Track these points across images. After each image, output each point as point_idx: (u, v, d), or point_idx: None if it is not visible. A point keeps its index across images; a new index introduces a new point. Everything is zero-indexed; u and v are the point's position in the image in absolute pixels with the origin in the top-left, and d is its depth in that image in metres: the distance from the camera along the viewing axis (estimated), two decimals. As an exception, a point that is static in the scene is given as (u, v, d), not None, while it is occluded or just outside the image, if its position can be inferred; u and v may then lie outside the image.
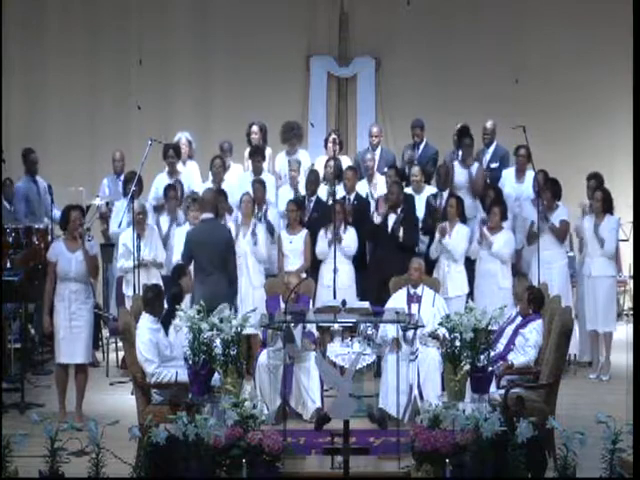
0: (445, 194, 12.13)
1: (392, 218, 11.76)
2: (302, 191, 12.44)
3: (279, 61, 15.13)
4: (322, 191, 12.43)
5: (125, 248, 11.62)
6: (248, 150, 13.02)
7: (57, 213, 12.26)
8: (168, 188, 12.30)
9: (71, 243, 9.94)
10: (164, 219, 12.28)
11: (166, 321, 9.30)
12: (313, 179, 12.31)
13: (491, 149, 12.93)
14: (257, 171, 12.65)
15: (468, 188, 12.44)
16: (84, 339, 9.96)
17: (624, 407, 8.95)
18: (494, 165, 12.81)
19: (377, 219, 11.79)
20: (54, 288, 9.95)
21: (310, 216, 12.15)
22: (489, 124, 12.89)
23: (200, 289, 10.55)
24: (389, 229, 11.73)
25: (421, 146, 13.08)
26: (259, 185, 12.22)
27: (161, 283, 10.96)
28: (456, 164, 12.52)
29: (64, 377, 10.02)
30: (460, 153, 12.64)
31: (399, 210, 11.78)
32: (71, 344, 9.90)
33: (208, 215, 10.92)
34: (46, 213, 12.65)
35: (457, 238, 11.62)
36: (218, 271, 10.70)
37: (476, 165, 12.57)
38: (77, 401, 9.93)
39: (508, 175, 12.61)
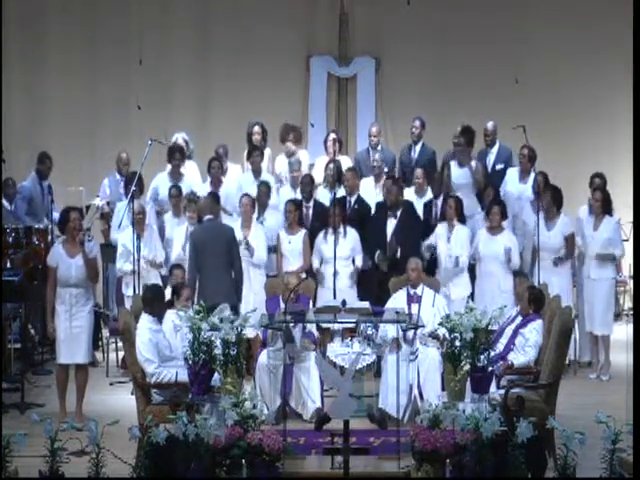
0: (439, 201, 12.07)
1: (391, 223, 11.73)
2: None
3: (279, 61, 15.13)
4: (321, 194, 12.41)
5: (124, 248, 11.62)
6: (246, 150, 13.00)
7: (56, 215, 12.29)
8: (172, 188, 12.29)
9: (70, 247, 9.89)
10: (167, 218, 12.27)
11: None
12: (308, 181, 12.27)
13: (494, 150, 12.90)
14: (256, 170, 12.62)
15: (467, 188, 12.41)
16: (84, 339, 9.96)
17: (624, 407, 8.94)
18: (499, 167, 12.77)
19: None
20: (54, 292, 9.93)
21: (312, 223, 12.08)
22: (490, 125, 12.87)
23: (204, 288, 10.55)
24: (387, 232, 11.69)
25: (417, 147, 13.06)
26: (264, 187, 12.19)
27: (161, 283, 10.98)
28: (453, 164, 12.50)
29: (64, 377, 10.01)
30: (456, 153, 12.63)
31: (398, 213, 11.74)
32: (72, 344, 9.89)
33: (209, 216, 10.96)
34: (46, 214, 12.64)
35: (457, 242, 11.57)
36: (222, 271, 10.72)
37: (474, 163, 12.53)
38: (77, 401, 9.92)
39: (512, 174, 12.59)
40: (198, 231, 11.05)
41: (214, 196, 11.64)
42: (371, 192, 12.42)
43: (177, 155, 12.62)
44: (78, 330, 9.90)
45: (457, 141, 12.54)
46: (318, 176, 12.77)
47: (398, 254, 11.52)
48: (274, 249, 11.86)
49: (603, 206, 11.64)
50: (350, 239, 11.66)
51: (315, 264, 11.68)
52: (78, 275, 9.86)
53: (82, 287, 9.92)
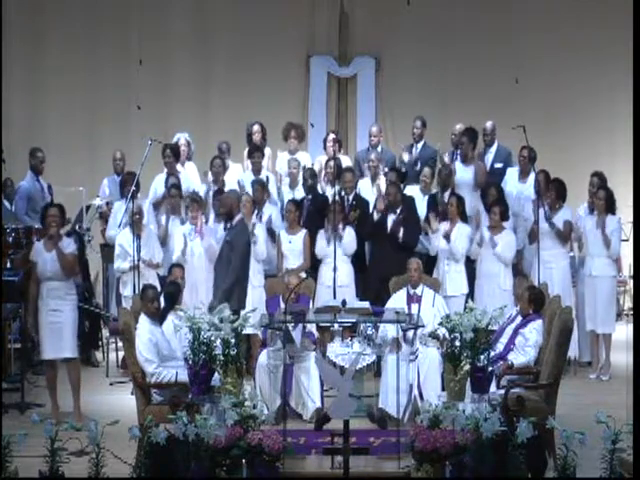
0: (446, 195, 12.11)
1: (391, 218, 11.77)
2: (301, 190, 12.43)
3: (279, 61, 15.14)
4: (321, 190, 12.43)
5: (121, 249, 11.61)
6: (247, 150, 13.00)
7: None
8: (171, 187, 12.28)
9: (48, 242, 9.92)
10: (167, 218, 12.26)
11: (161, 319, 9.34)
12: (309, 176, 12.29)
13: (493, 149, 12.91)
14: (256, 169, 12.63)
15: (470, 186, 12.42)
16: (69, 334, 9.91)
17: (624, 407, 8.95)
18: (498, 165, 12.79)
19: (375, 216, 11.80)
20: (37, 287, 9.93)
21: (307, 210, 12.09)
22: (489, 124, 12.89)
23: (241, 292, 10.59)
24: (388, 229, 11.73)
25: (419, 146, 13.06)
26: (259, 186, 12.20)
27: (157, 283, 10.96)
28: (457, 163, 12.52)
29: (53, 374, 9.99)
30: (459, 152, 12.64)
31: (398, 210, 11.77)
32: (54, 340, 9.84)
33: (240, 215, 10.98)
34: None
35: (458, 238, 11.62)
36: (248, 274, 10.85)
37: (478, 163, 12.54)
38: (75, 400, 9.89)
39: (512, 174, 12.60)
40: (246, 232, 11.01)
41: (220, 193, 11.64)
42: (368, 192, 12.43)
43: (167, 152, 12.59)
44: (59, 325, 9.87)
45: (460, 140, 12.56)
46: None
47: (400, 236, 11.56)
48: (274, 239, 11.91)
49: (607, 205, 11.65)
50: (348, 237, 11.68)
51: (318, 254, 11.71)
52: (53, 269, 9.85)
53: (59, 281, 9.88)
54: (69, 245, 10.05)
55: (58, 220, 10.07)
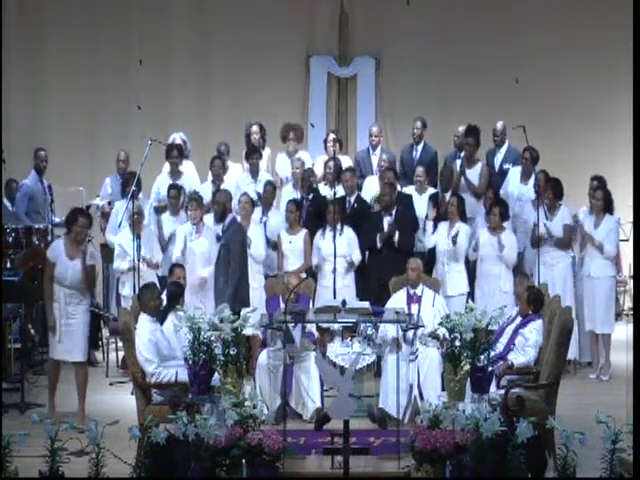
0: (447, 195, 12.10)
1: (387, 220, 11.74)
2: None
3: (279, 61, 15.15)
4: (321, 191, 12.42)
5: (120, 249, 11.61)
6: (245, 151, 13.01)
7: (56, 219, 12.28)
8: (171, 188, 12.29)
9: (71, 249, 9.81)
10: (166, 218, 12.27)
11: (161, 319, 9.34)
12: (308, 177, 12.30)
13: (503, 150, 12.88)
14: (254, 170, 12.62)
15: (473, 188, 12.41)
16: (80, 337, 9.89)
17: (624, 407, 8.95)
18: (507, 166, 12.76)
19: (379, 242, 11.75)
20: (52, 286, 9.89)
21: (307, 210, 12.09)
22: (499, 125, 12.85)
23: (240, 292, 10.59)
24: (384, 231, 11.69)
25: (419, 147, 13.05)
26: (270, 187, 12.20)
27: (157, 282, 10.96)
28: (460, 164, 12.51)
29: (56, 374, 10.00)
30: (462, 153, 12.62)
31: (394, 211, 11.75)
32: (67, 342, 9.83)
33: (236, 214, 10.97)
34: (46, 214, 12.64)
35: (458, 237, 11.62)
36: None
37: (480, 165, 12.54)
38: (79, 402, 9.88)
39: (513, 174, 12.59)
40: (241, 231, 10.99)
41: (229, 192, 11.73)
42: (375, 190, 12.40)
43: (174, 152, 12.61)
44: (72, 328, 9.85)
45: (465, 141, 12.53)
46: (318, 175, 12.78)
47: (396, 237, 11.55)
48: (274, 246, 11.88)
49: (604, 205, 11.65)
50: (347, 237, 11.67)
51: (313, 261, 11.71)
52: (73, 279, 9.79)
53: (77, 288, 9.87)
54: (92, 256, 9.96)
55: (87, 230, 10.05)
